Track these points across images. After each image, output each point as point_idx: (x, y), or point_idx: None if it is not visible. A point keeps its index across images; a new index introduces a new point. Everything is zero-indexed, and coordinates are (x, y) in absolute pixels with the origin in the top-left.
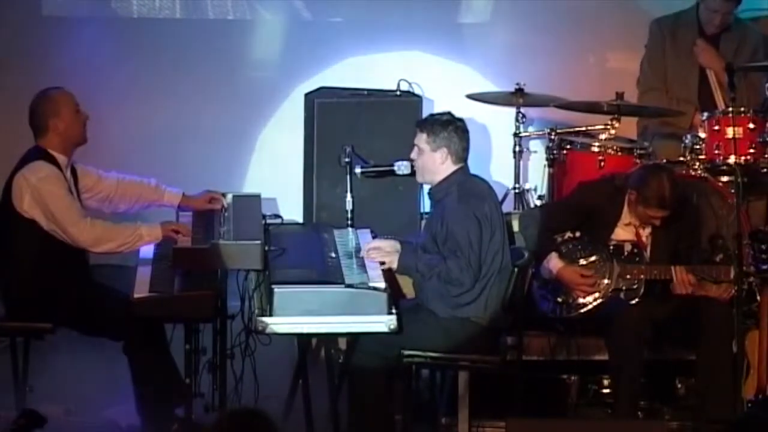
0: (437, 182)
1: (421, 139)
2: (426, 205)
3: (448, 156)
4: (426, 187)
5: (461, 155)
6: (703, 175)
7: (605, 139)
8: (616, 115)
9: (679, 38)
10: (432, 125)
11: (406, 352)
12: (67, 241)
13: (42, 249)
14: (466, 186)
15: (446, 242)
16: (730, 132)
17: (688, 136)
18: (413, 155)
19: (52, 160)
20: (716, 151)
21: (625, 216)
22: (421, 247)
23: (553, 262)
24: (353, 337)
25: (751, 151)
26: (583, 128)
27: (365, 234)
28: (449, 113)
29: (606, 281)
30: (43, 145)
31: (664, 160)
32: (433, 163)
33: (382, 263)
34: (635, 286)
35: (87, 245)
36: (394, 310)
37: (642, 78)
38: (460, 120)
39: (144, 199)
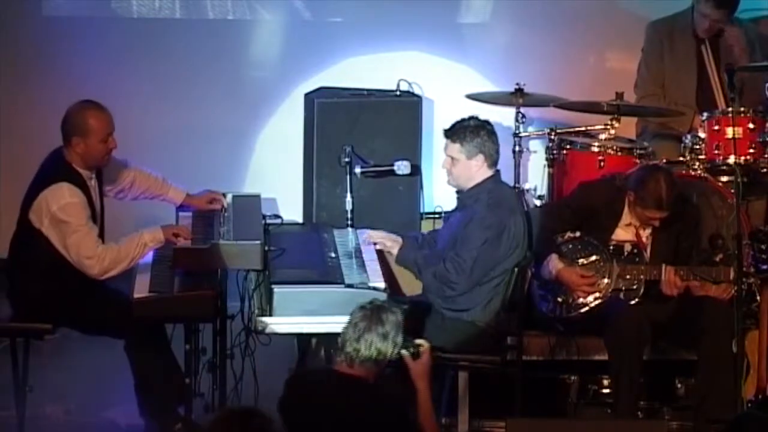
0: (469, 188)
1: (455, 149)
2: (426, 205)
3: (484, 161)
4: (426, 188)
5: (495, 158)
6: (703, 175)
7: (605, 139)
8: (615, 115)
9: (675, 41)
10: (464, 133)
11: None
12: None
13: (48, 253)
14: (495, 194)
15: (455, 243)
16: (730, 132)
17: (688, 136)
18: (446, 165)
19: (76, 177)
20: (716, 151)
21: (626, 216)
22: (441, 249)
23: (553, 263)
24: None
25: (751, 151)
26: (583, 128)
27: (365, 234)
28: (475, 118)
29: (606, 281)
30: (67, 157)
31: (664, 160)
32: (470, 170)
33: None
34: (635, 287)
35: (98, 277)
36: None
37: (640, 82)
38: (489, 123)
39: (151, 192)
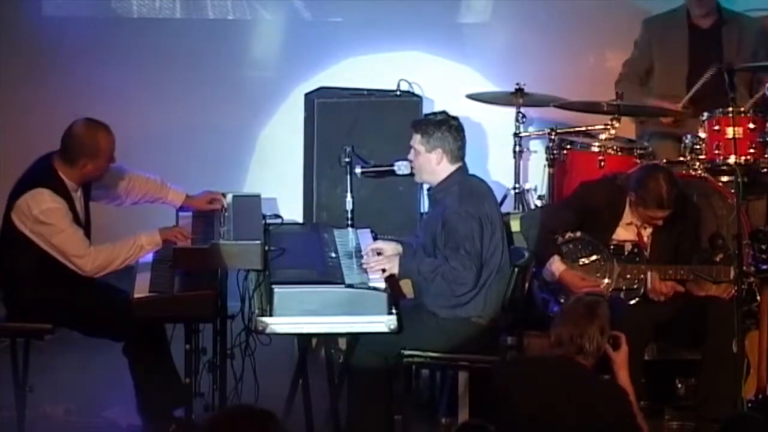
0: (437, 183)
1: (416, 140)
2: (426, 205)
3: (443, 156)
4: (426, 187)
5: (457, 154)
6: (703, 175)
7: (605, 139)
8: (615, 115)
9: (669, 34)
10: (426, 126)
11: (406, 352)
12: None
13: (44, 253)
14: (465, 185)
15: (447, 242)
16: (730, 132)
17: (688, 136)
18: (410, 156)
19: (60, 186)
20: (716, 151)
21: (627, 216)
22: (420, 247)
23: (556, 265)
24: (353, 337)
25: (751, 151)
26: (583, 128)
27: (365, 234)
28: (444, 112)
29: (606, 281)
30: (58, 167)
31: (664, 160)
32: (429, 164)
33: (384, 270)
34: (635, 286)
35: (91, 274)
36: (394, 310)
37: (622, 72)
38: (455, 119)
39: (150, 195)
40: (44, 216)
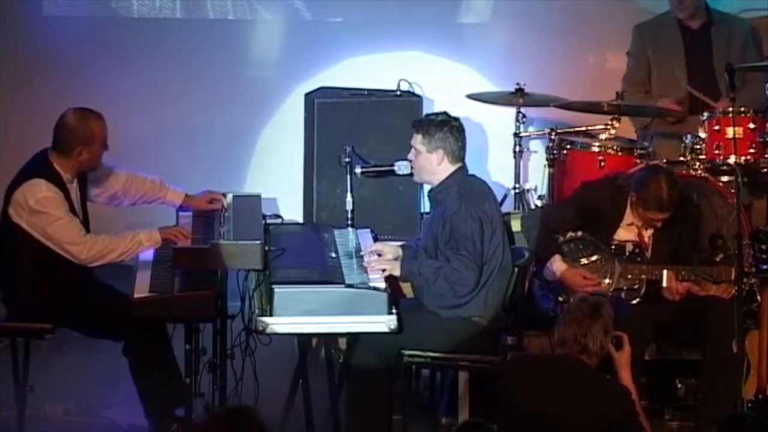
0: (437, 183)
1: (417, 140)
2: (426, 205)
3: (444, 157)
4: (426, 188)
5: (458, 155)
6: (703, 175)
7: (605, 139)
8: (616, 115)
9: (661, 37)
10: (427, 126)
11: (406, 352)
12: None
13: (42, 251)
14: (465, 186)
15: (449, 242)
16: (730, 132)
17: (688, 136)
18: (410, 156)
19: (56, 177)
20: (716, 151)
21: (628, 216)
22: (422, 248)
23: (557, 265)
24: (353, 337)
25: (751, 151)
26: (583, 128)
27: (365, 234)
28: (445, 113)
29: (607, 281)
30: (53, 160)
31: (664, 160)
32: (430, 164)
33: (384, 270)
34: (636, 286)
35: (86, 263)
36: (394, 310)
37: (623, 83)
38: (456, 119)
39: (148, 196)
40: (39, 205)
